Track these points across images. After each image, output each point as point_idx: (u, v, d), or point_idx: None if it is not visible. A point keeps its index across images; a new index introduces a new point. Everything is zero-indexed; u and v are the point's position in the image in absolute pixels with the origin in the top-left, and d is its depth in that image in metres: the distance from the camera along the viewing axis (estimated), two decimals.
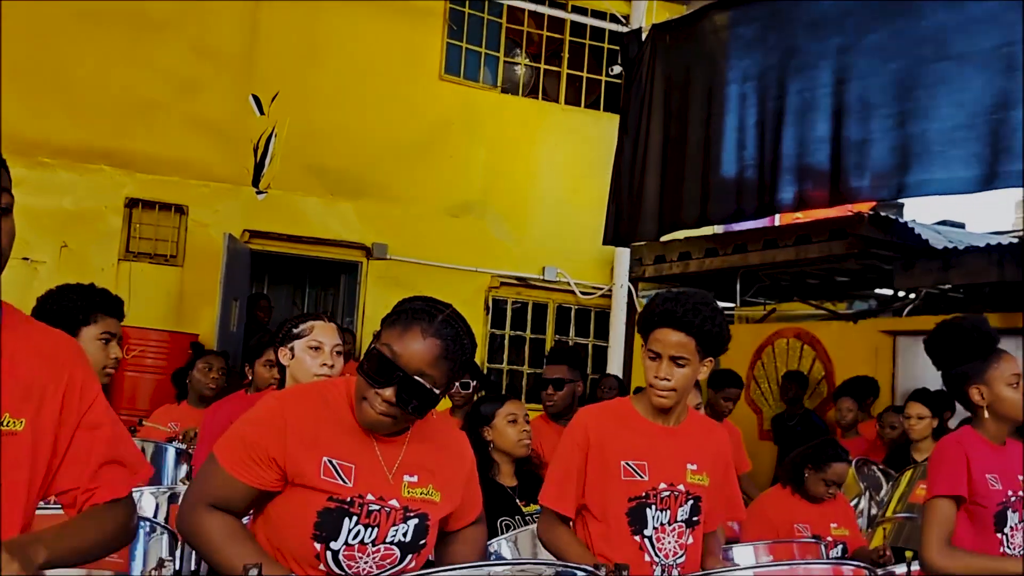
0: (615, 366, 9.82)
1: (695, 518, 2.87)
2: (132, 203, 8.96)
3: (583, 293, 10.52)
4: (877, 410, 7.96)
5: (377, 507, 2.28)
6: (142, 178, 8.92)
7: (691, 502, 2.86)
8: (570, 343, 10.64)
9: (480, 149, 10.22)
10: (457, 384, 4.91)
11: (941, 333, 3.32)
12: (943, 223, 9.27)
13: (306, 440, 2.25)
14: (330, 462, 2.26)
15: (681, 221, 8.16)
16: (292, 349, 3.36)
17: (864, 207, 8.57)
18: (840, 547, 4.74)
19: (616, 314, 10.15)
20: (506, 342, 10.61)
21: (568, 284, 10.46)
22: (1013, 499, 3.28)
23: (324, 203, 9.69)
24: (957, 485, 3.16)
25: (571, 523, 2.89)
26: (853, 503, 5.68)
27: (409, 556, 2.32)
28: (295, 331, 3.36)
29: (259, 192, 9.40)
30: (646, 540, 2.80)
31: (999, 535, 3.24)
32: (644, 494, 2.80)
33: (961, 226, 9.42)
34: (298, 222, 9.56)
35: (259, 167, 9.38)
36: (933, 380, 8.23)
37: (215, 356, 6.00)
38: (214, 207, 9.17)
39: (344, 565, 2.26)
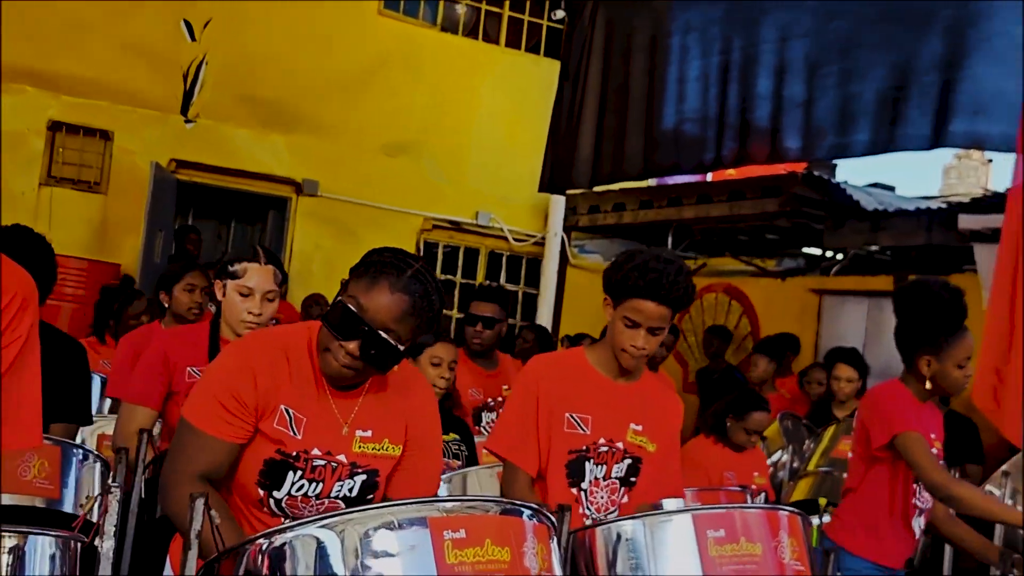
0: (545, 314, 9.83)
1: (632, 478, 2.85)
2: (55, 126, 8.67)
3: (516, 240, 10.48)
4: (798, 367, 8.10)
5: (323, 462, 2.26)
6: (67, 101, 8.62)
7: (628, 461, 2.84)
8: None
9: (417, 88, 10.05)
10: None
11: (918, 293, 3.37)
12: (874, 185, 9.40)
13: (270, 386, 2.22)
14: (286, 411, 2.24)
15: (623, 173, 8.13)
16: (225, 287, 3.26)
17: (797, 166, 8.64)
18: (762, 495, 4.84)
19: (548, 262, 10.14)
20: None
21: (501, 230, 10.41)
22: None
23: (255, 135, 9.47)
24: (913, 422, 3.30)
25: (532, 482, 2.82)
26: (775, 456, 5.79)
27: None
28: (230, 269, 3.24)
29: (188, 121, 9.15)
30: (582, 493, 2.80)
31: (914, 485, 3.39)
32: (584, 448, 2.79)
33: (891, 189, 9.58)
34: (227, 154, 9.34)
35: (188, 95, 9.13)
36: (855, 338, 8.45)
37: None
38: (140, 134, 8.91)
39: (287, 511, 2.26)
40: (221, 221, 11.57)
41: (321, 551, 1.91)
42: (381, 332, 2.15)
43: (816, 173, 8.48)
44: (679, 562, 2.32)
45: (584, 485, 2.80)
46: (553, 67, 9.54)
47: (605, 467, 2.82)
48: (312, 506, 2.27)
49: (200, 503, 1.93)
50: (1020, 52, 5.47)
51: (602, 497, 2.82)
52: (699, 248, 10.28)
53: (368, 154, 9.88)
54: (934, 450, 3.40)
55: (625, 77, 8.23)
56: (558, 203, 10.01)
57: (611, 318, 2.79)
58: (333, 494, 2.28)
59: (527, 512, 2.03)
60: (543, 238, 10.33)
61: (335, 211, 9.75)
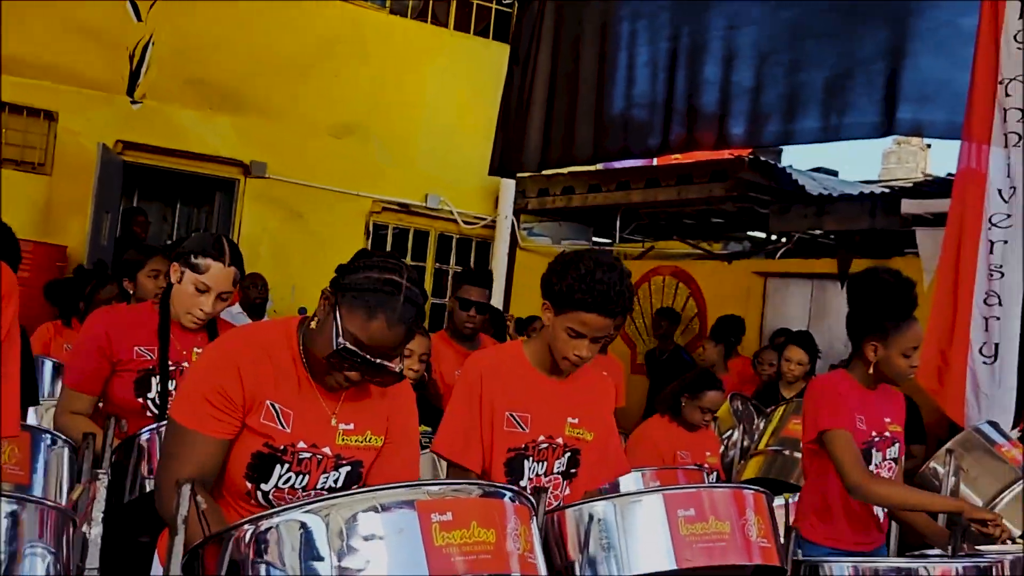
0: (496, 297, 9.86)
1: (572, 470, 2.89)
2: None
3: (465, 222, 10.51)
4: (744, 347, 8.25)
5: (308, 455, 2.30)
6: (10, 81, 8.44)
7: (568, 455, 2.87)
8: (450, 272, 10.64)
9: (366, 70, 10.02)
10: None
11: (869, 280, 3.45)
12: (817, 170, 9.57)
13: (255, 381, 2.25)
14: (272, 406, 2.27)
15: (572, 157, 8.22)
16: (182, 274, 3.22)
17: (744, 151, 8.77)
18: (714, 475, 4.95)
19: (499, 245, 10.20)
20: None
21: (451, 212, 10.43)
22: (877, 439, 3.47)
23: (202, 117, 9.38)
24: (843, 419, 3.34)
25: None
26: (727, 435, 5.91)
27: None
28: (192, 260, 3.19)
29: (134, 102, 9.04)
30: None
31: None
32: (523, 446, 2.81)
33: (834, 174, 9.75)
34: (174, 135, 9.24)
35: (135, 76, 9.01)
36: (799, 320, 8.62)
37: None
38: (86, 115, 8.78)
39: (274, 503, 2.29)
40: (167, 203, 11.45)
41: (307, 535, 1.94)
42: (381, 360, 2.21)
43: (763, 158, 8.62)
44: (651, 541, 2.39)
45: (523, 483, 2.81)
46: (502, 51, 9.57)
47: (546, 464, 2.84)
48: (299, 498, 2.29)
49: (187, 489, 1.95)
50: (963, 42, 5.61)
51: None
52: (646, 231, 10.39)
53: (316, 136, 9.83)
54: (887, 433, 3.50)
55: (575, 62, 8.30)
56: (508, 186, 10.06)
57: (551, 323, 2.77)
58: (319, 485, 2.33)
59: (509, 494, 2.08)
60: (493, 221, 10.38)
61: (283, 193, 9.71)
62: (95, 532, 1.88)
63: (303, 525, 1.95)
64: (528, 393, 2.83)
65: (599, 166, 10.16)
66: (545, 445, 2.83)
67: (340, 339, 2.18)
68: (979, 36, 5.37)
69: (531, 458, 2.81)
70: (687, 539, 2.37)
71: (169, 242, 10.77)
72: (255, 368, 2.25)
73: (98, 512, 1.87)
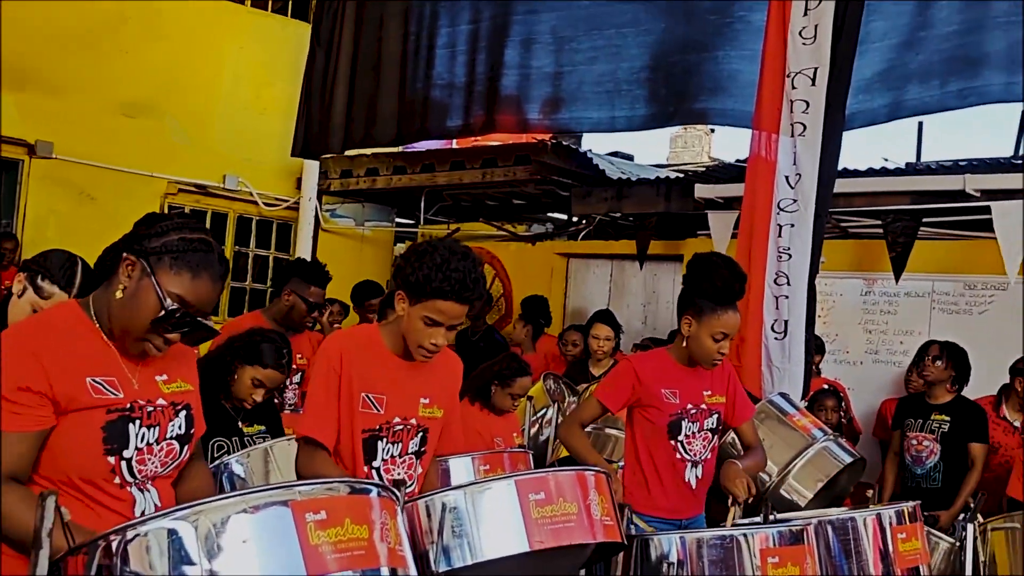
0: None
1: (423, 448, 2.99)
2: None
3: (266, 204, 10.30)
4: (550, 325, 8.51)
5: (152, 408, 2.34)
6: None
7: (421, 434, 2.97)
8: (251, 255, 10.42)
9: (160, 46, 9.63)
10: None
11: (703, 261, 3.70)
12: (614, 154, 9.93)
13: (63, 365, 2.22)
14: (94, 381, 2.26)
15: (374, 139, 8.22)
16: (25, 289, 3.16)
17: (546, 135, 9.00)
18: None
19: (302, 227, 10.07)
20: None
21: (250, 194, 10.20)
22: (693, 411, 3.72)
23: None
24: (610, 398, 3.78)
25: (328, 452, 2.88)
26: (541, 413, 6.11)
27: (184, 448, 2.42)
28: (39, 283, 3.15)
29: None
30: (375, 472, 2.88)
31: (672, 441, 3.71)
32: (378, 427, 2.88)
33: (630, 158, 10.15)
34: None
35: None
36: (600, 299, 8.95)
37: None
38: None
39: (136, 471, 2.30)
40: None
41: (176, 541, 1.93)
42: (202, 319, 2.31)
43: (564, 143, 8.87)
44: (503, 526, 2.48)
45: (376, 464, 2.88)
46: (301, 29, 9.44)
47: (401, 445, 2.92)
48: (155, 455, 2.33)
49: (51, 500, 1.91)
50: (754, 37, 5.99)
51: (399, 474, 2.92)
52: (450, 213, 10.50)
53: (106, 114, 9.39)
54: (704, 405, 3.74)
55: (378, 43, 8.29)
56: (312, 167, 9.94)
57: (406, 313, 2.84)
58: (169, 436, 2.37)
59: (375, 490, 2.14)
60: (296, 202, 10.23)
61: (73, 174, 9.23)
62: None
63: (172, 532, 1.94)
64: (384, 375, 2.90)
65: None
66: (400, 427, 2.91)
67: (168, 301, 2.25)
68: (768, 31, 5.75)
69: (385, 439, 2.88)
70: (538, 522, 2.48)
71: None
72: (57, 349, 2.23)
73: None
